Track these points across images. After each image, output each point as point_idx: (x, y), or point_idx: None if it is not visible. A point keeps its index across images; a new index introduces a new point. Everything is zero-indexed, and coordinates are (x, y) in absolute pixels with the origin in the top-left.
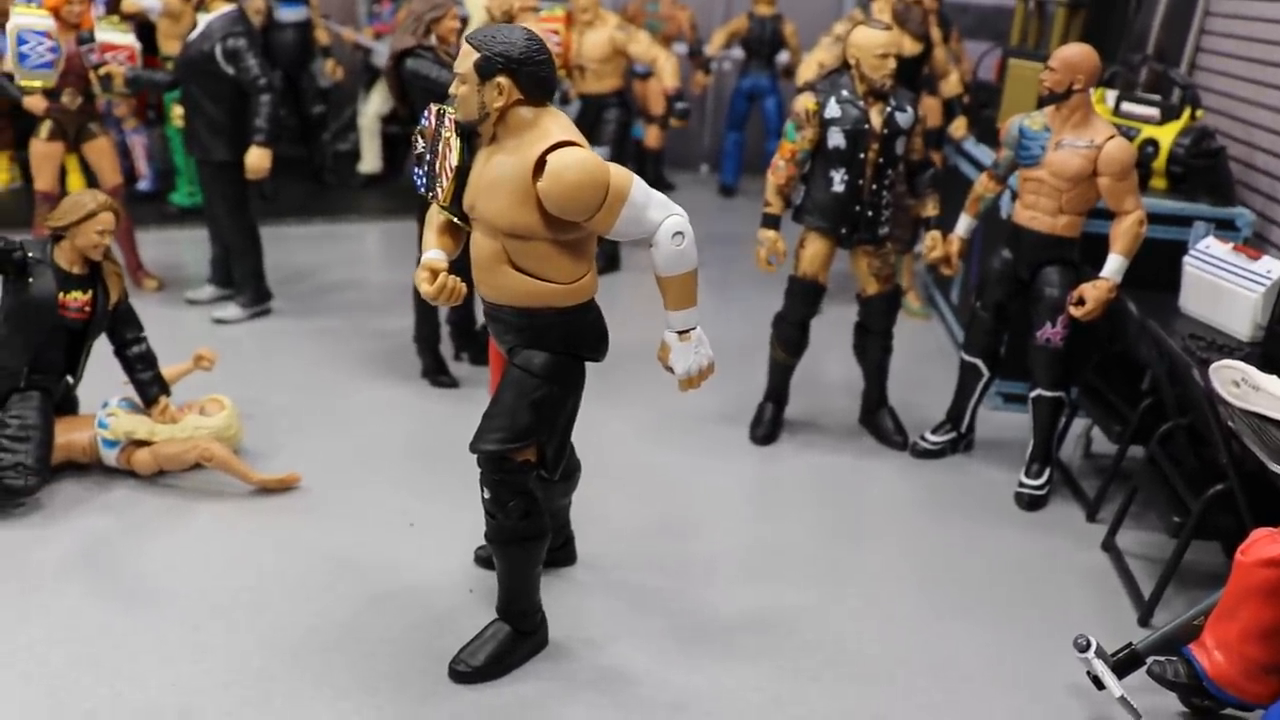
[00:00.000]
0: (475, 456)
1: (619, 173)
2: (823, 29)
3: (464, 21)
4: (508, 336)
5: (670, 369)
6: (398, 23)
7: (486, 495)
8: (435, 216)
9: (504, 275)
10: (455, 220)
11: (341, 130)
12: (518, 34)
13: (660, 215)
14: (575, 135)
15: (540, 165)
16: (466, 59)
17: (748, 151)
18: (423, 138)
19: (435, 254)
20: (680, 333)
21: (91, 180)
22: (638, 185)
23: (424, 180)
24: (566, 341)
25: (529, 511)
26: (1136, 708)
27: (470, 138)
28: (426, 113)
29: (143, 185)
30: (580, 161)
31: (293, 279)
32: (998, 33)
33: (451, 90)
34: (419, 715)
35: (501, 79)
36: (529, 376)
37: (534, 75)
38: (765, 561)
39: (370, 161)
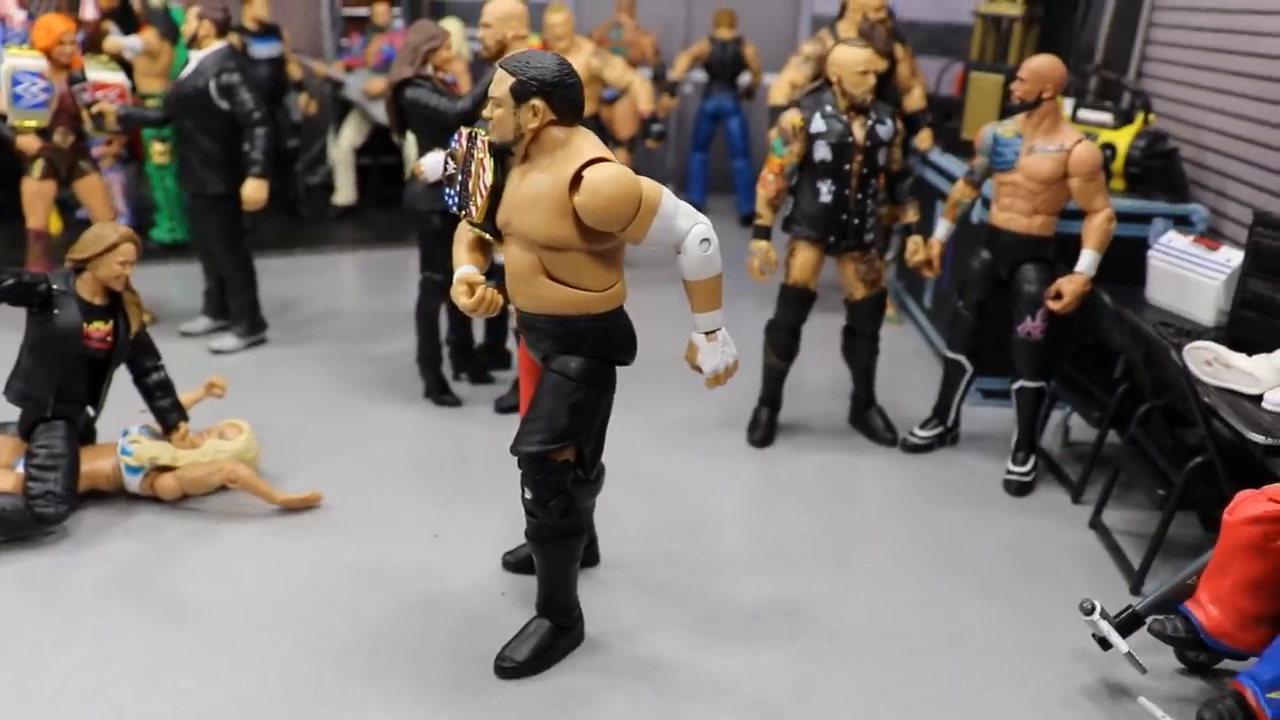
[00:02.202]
0: (515, 459)
1: (650, 185)
2: (782, 50)
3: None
4: (544, 344)
5: (698, 368)
6: (368, 56)
7: (528, 495)
8: (465, 234)
9: (541, 285)
10: (486, 236)
11: (312, 163)
12: (549, 59)
13: (688, 224)
14: (606, 152)
15: (576, 180)
16: (502, 84)
17: (712, 170)
18: (453, 160)
19: (469, 269)
20: (708, 333)
21: (67, 221)
22: (667, 197)
23: (456, 199)
24: (600, 346)
25: (568, 509)
26: (1141, 663)
27: (502, 158)
28: (457, 136)
29: (120, 223)
30: (614, 177)
31: (282, 309)
32: (947, 48)
33: (485, 113)
34: (472, 710)
35: (536, 101)
36: (566, 380)
37: (566, 97)
38: (777, 554)
39: (345, 193)
